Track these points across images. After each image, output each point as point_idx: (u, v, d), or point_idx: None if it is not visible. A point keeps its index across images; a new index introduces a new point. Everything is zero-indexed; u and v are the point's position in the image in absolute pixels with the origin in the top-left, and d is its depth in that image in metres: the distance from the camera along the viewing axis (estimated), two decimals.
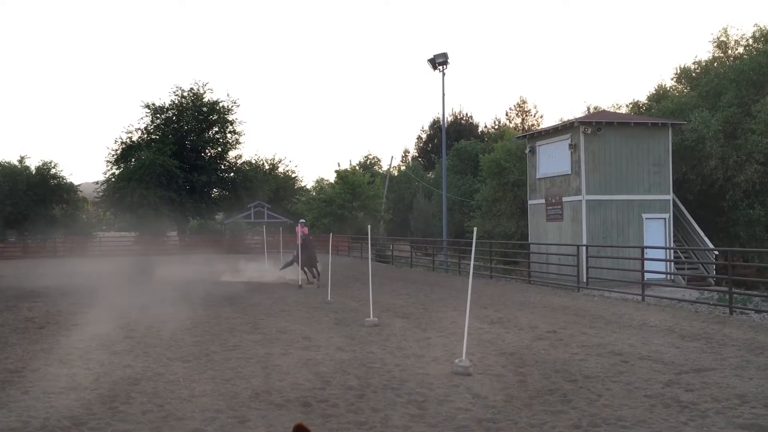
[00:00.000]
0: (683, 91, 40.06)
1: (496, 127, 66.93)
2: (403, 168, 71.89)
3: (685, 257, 28.60)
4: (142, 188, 48.16)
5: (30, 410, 7.30)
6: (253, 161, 59.01)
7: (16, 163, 51.20)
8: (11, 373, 9.20)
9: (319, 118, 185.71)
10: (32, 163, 52.63)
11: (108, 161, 52.83)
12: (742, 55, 37.68)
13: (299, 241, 22.65)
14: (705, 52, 73.54)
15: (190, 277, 25.40)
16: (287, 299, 18.26)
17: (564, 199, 28.22)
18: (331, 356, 10.23)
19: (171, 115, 53.91)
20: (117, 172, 51.99)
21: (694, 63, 40.92)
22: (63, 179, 52.82)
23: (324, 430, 6.59)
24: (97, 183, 54.75)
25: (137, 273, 27.29)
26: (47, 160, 54.22)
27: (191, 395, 7.94)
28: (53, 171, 52.15)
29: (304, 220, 25.66)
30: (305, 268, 22.60)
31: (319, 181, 68.23)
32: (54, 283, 23.12)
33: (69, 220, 52.33)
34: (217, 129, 55.10)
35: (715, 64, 38.50)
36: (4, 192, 47.95)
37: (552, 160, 29.08)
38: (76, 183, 55.28)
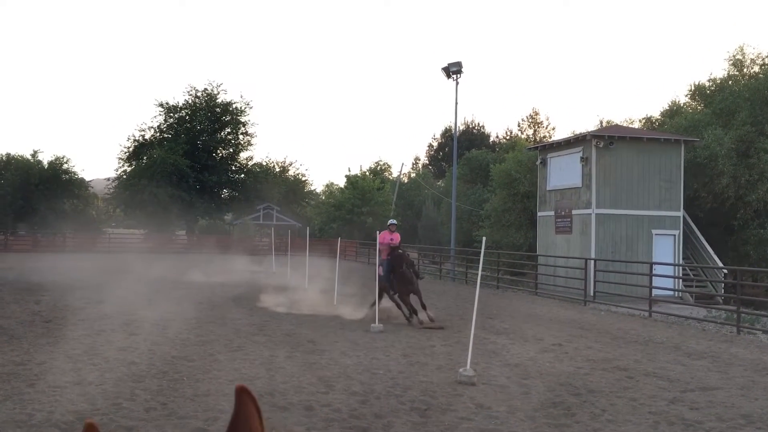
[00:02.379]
0: (697, 108, 39.88)
1: (508, 137, 66.85)
2: (413, 175, 71.89)
3: (694, 275, 28.44)
4: (153, 186, 48.41)
5: (35, 403, 7.33)
6: (264, 163, 59.24)
7: (29, 157, 51.60)
8: (17, 366, 9.24)
9: (331, 123, 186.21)
10: (45, 158, 53.10)
11: (120, 158, 53.33)
12: (757, 74, 37.48)
13: (385, 256, 15.37)
14: (720, 69, 73.34)
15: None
16: (292, 303, 18.25)
17: (573, 212, 28.14)
18: (336, 361, 10.23)
19: (184, 114, 54.24)
20: (128, 169, 52.34)
21: (708, 80, 40.72)
22: (75, 174, 53.19)
23: None
24: (108, 179, 55.13)
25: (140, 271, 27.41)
26: (60, 155, 54.64)
27: (195, 394, 7.95)
28: (65, 166, 52.53)
29: (394, 221, 16.59)
30: (396, 297, 15.08)
31: (329, 186, 68.34)
32: (62, 278, 23.23)
33: (79, 215, 52.66)
34: (229, 130, 55.38)
35: (730, 82, 38.30)
36: (16, 185, 48.29)
37: (563, 173, 29.02)
38: (87, 179, 55.78)
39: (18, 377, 8.56)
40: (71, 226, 48.76)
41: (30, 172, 49.57)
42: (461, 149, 53.40)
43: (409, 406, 7.75)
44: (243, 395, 1.02)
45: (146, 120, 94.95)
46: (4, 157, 50.60)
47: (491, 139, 69.93)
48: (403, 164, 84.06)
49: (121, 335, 11.95)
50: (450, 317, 16.05)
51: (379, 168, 70.15)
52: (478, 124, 71.49)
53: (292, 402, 7.73)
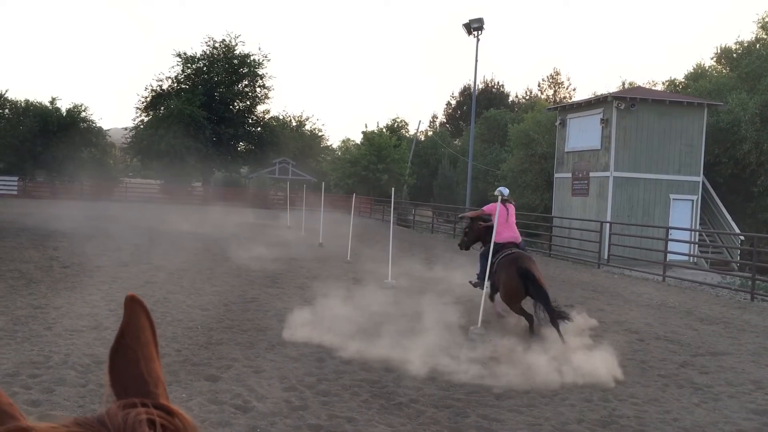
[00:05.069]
0: (722, 72, 39.07)
1: (527, 97, 66.01)
2: (430, 133, 71.38)
3: (710, 240, 28.24)
4: (170, 137, 48.45)
5: (52, 345, 7.47)
6: (281, 117, 59.04)
7: (47, 104, 51.68)
8: (35, 309, 9.41)
9: (350, 79, 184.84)
10: (63, 105, 53.14)
11: (137, 108, 53.24)
12: None
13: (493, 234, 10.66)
14: (748, 32, 71.47)
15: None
16: (306, 257, 18.38)
17: (591, 174, 27.88)
18: (348, 314, 10.31)
19: (202, 65, 53.92)
20: (146, 119, 52.36)
21: (736, 43, 39.81)
22: (93, 123, 53.26)
23: (336, 386, 6.67)
24: (126, 129, 55.21)
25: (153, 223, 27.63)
26: (78, 103, 54.60)
27: (208, 342, 8.07)
28: (83, 114, 52.57)
29: (505, 190, 11.55)
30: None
31: (345, 141, 68.13)
32: (80, 225, 23.46)
33: (96, 164, 52.91)
34: (246, 82, 55.06)
35: (758, 46, 37.39)
36: (35, 132, 48.52)
37: (582, 134, 28.66)
38: (105, 128, 55.83)
39: (36, 320, 8.72)
40: (89, 175, 49.09)
41: (48, 119, 49.69)
42: (479, 108, 52.83)
43: (419, 361, 7.82)
44: (134, 305, 0.92)
45: (164, 70, 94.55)
46: (22, 104, 50.75)
47: (510, 98, 69.06)
48: (420, 122, 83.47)
49: (137, 283, 12.11)
50: (463, 276, 16.08)
51: (396, 125, 69.70)
52: (498, 83, 70.57)
53: (303, 353, 7.83)
